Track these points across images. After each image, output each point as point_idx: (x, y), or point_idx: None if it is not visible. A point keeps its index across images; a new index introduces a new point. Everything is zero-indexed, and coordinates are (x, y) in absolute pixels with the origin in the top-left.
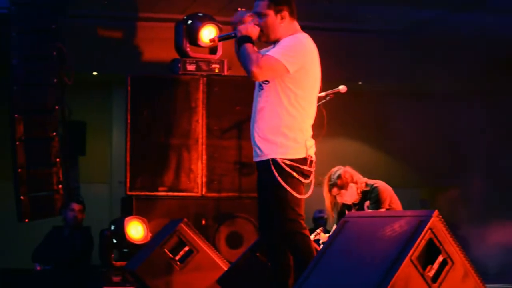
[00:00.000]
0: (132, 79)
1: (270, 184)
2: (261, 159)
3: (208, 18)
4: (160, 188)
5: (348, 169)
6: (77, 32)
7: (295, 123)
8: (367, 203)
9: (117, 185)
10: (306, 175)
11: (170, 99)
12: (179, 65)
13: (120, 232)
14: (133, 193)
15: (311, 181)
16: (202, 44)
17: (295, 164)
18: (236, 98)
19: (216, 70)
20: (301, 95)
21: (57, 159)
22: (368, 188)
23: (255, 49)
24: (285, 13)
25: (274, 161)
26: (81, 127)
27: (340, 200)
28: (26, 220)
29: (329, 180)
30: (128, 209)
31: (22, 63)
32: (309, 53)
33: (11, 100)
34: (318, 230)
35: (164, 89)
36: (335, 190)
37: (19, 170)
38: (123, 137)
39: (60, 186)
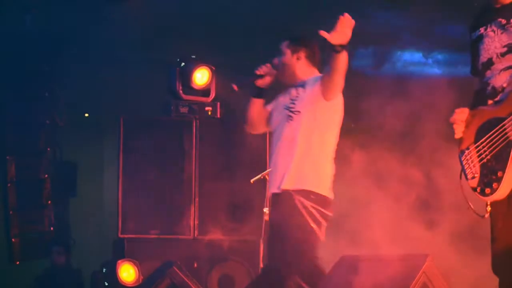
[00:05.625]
0: (124, 120)
1: (292, 217)
2: (290, 189)
3: (202, 61)
4: (152, 231)
5: None
6: (69, 73)
7: (325, 158)
8: None
9: (108, 227)
10: (325, 217)
11: (163, 141)
12: (172, 107)
13: (112, 274)
14: (125, 236)
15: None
16: (195, 87)
17: (318, 205)
18: (228, 141)
19: (209, 113)
20: (332, 128)
21: (49, 201)
22: None
23: None
24: (301, 54)
25: (303, 192)
26: (73, 168)
27: None
28: (17, 262)
29: None
30: (120, 251)
31: (14, 104)
32: None
33: (2, 141)
34: None
35: (156, 131)
36: None
37: (11, 211)
38: (115, 178)
39: (51, 228)
